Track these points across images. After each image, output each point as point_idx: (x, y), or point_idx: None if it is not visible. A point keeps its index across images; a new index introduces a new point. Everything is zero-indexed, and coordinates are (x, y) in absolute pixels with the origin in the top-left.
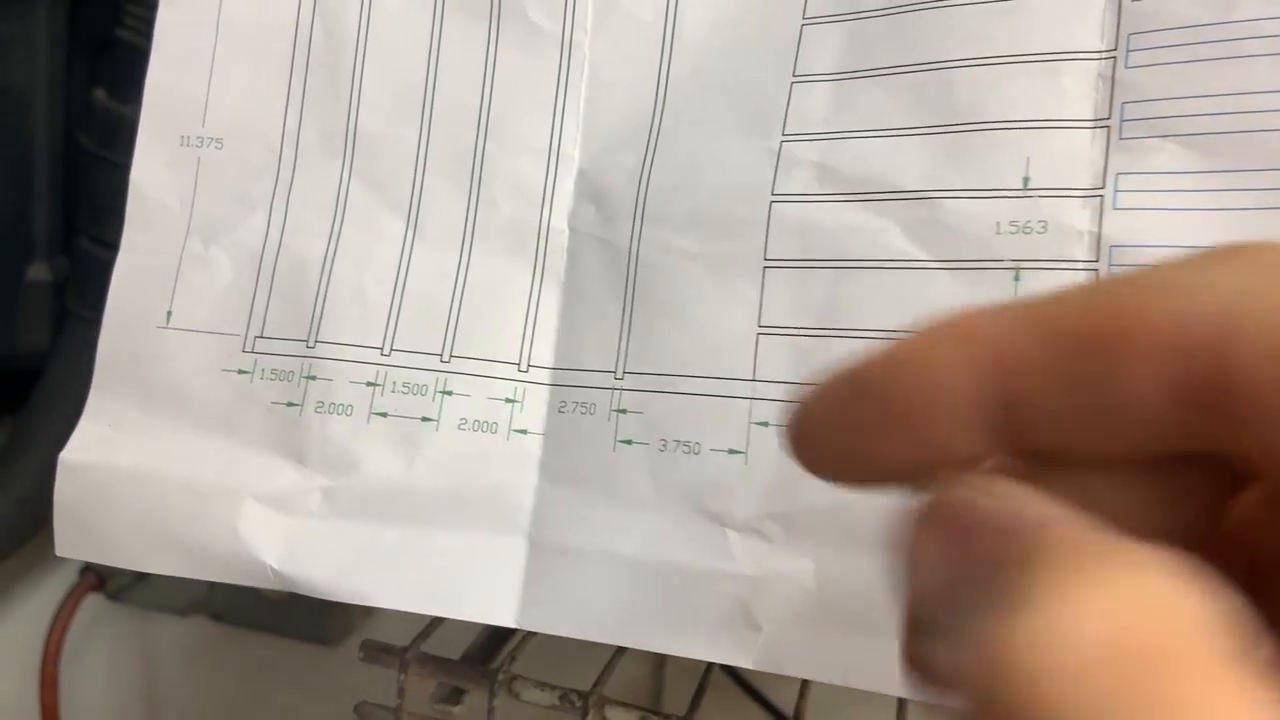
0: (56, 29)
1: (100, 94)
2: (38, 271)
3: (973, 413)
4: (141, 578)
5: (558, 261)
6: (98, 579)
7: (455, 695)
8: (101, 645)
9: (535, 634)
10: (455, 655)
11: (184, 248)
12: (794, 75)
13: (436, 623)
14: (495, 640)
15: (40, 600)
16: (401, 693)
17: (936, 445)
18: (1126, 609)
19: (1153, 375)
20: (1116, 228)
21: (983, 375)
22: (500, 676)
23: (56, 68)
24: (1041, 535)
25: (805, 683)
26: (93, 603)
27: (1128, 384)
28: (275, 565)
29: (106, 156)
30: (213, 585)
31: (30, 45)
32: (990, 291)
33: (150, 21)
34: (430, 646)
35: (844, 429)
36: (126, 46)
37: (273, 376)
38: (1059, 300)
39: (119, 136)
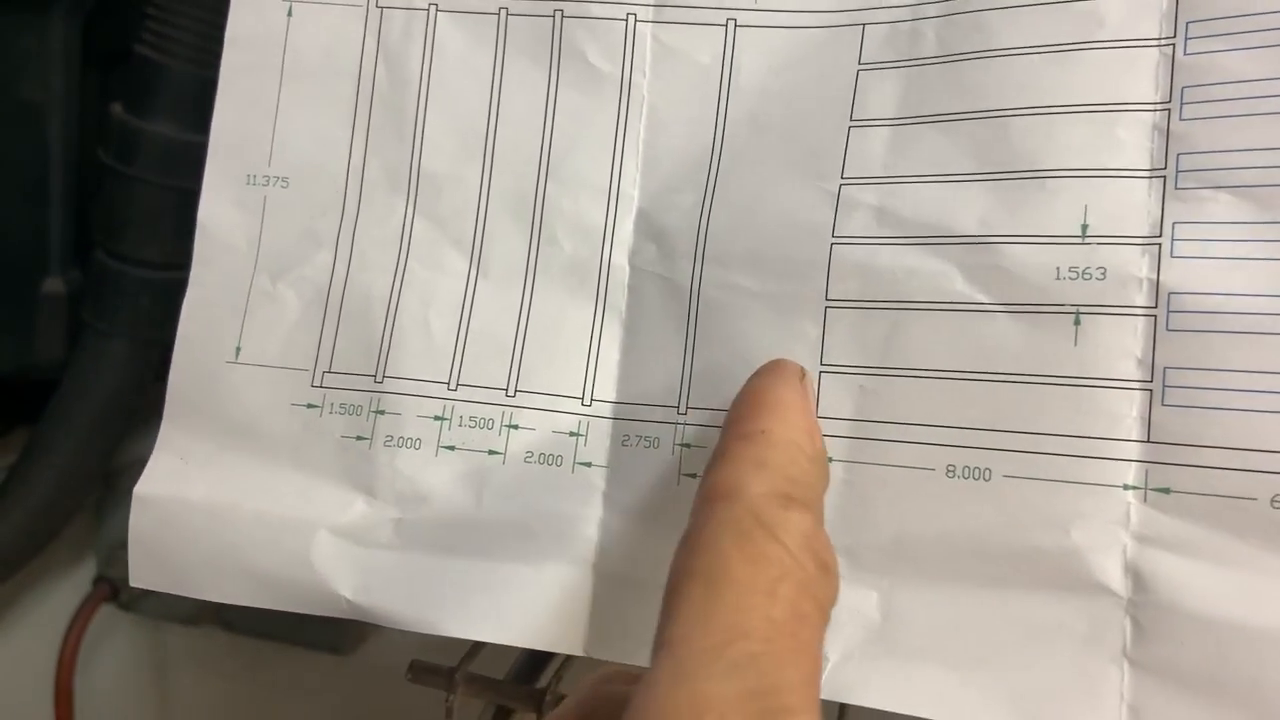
0: (72, 43)
1: (117, 108)
2: (53, 285)
3: None
4: None
5: (619, 298)
6: (111, 588)
7: (503, 715)
8: (114, 654)
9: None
10: (498, 675)
11: (251, 284)
12: (851, 120)
13: (480, 644)
14: (536, 661)
15: (54, 610)
16: (450, 713)
17: None
18: None
19: None
20: (1175, 275)
21: None
22: (548, 697)
23: (72, 82)
24: None
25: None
26: (106, 612)
27: None
28: (349, 596)
29: (123, 170)
30: None
31: (46, 59)
32: (1051, 333)
33: (167, 35)
34: (473, 666)
35: None
36: (143, 60)
37: (342, 410)
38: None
39: (136, 150)
